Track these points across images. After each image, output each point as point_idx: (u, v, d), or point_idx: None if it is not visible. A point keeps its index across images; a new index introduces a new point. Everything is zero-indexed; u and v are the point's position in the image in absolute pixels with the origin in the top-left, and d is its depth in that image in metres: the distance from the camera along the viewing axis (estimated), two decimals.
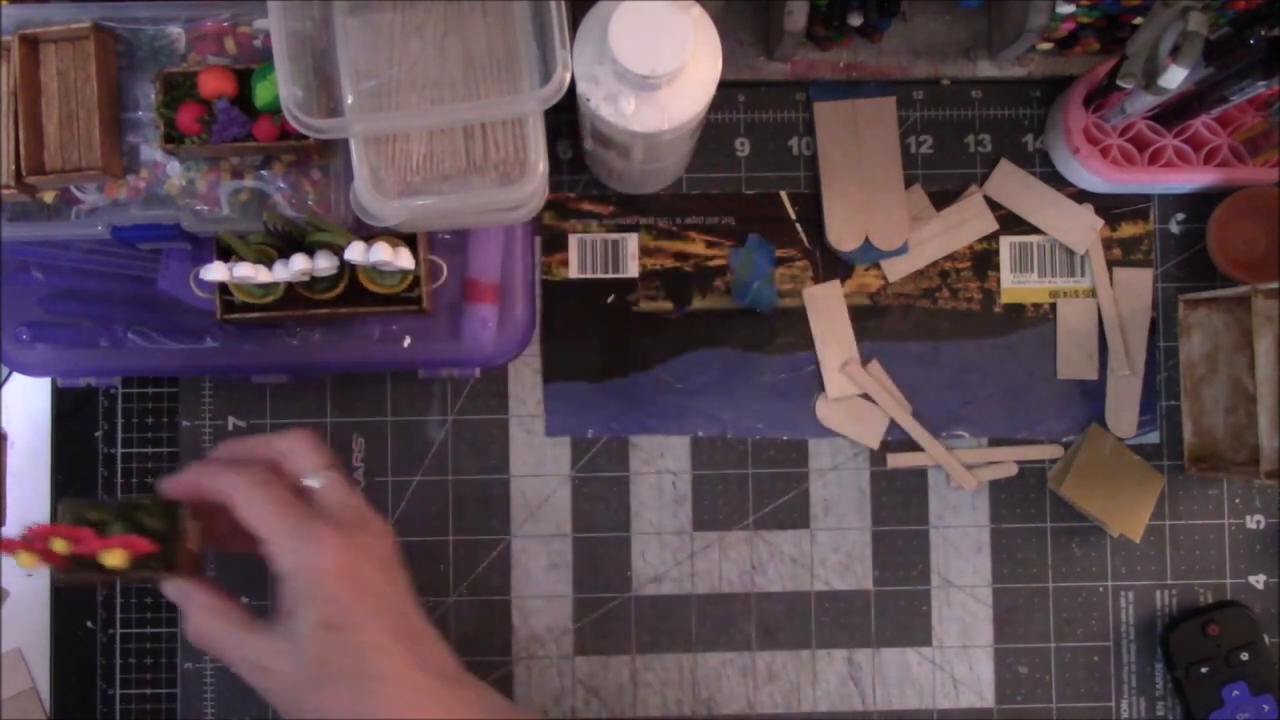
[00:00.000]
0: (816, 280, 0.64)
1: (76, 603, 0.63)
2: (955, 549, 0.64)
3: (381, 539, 0.52)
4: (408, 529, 0.63)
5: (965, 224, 0.64)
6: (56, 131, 0.55)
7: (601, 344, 0.64)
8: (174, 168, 0.57)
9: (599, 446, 0.63)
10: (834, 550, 0.63)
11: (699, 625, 0.63)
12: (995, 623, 0.63)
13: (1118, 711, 0.63)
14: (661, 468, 0.63)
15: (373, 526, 0.52)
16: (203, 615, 0.50)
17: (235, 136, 0.55)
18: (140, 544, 0.48)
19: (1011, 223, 0.64)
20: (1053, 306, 0.64)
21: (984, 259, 0.64)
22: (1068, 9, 0.57)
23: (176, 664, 0.62)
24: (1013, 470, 0.64)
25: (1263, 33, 0.50)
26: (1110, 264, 0.64)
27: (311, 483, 0.52)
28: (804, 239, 0.64)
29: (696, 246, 0.64)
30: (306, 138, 0.52)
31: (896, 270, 0.64)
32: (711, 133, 0.64)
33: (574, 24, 0.49)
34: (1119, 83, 0.56)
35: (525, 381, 0.63)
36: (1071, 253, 0.64)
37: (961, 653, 0.63)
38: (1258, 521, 0.64)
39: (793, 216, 0.64)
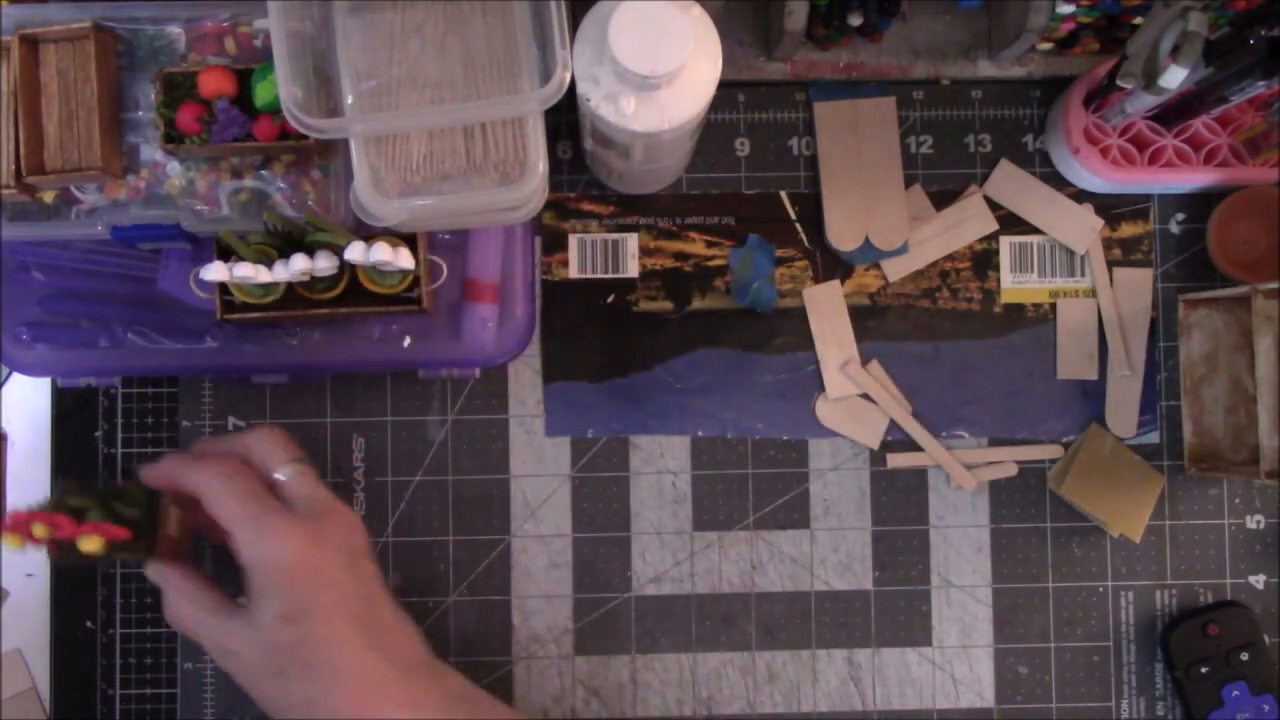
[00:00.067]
0: (816, 280, 0.64)
1: (76, 603, 0.63)
2: (955, 549, 0.64)
3: (347, 530, 0.53)
4: (408, 529, 0.63)
5: (965, 224, 0.64)
6: (56, 131, 0.55)
7: (601, 344, 0.64)
8: (174, 168, 0.57)
9: (599, 446, 0.63)
10: (834, 550, 0.63)
11: (699, 625, 0.63)
12: (995, 623, 0.63)
13: (1118, 711, 0.63)
14: (661, 468, 0.63)
15: (338, 518, 0.53)
16: (178, 599, 0.53)
17: (235, 136, 0.55)
18: (115, 532, 0.51)
19: (1011, 223, 0.64)
20: (1053, 306, 0.64)
21: (984, 259, 0.64)
22: (1068, 9, 0.57)
23: (176, 664, 0.62)
24: (1013, 470, 0.64)
25: (1263, 33, 0.50)
26: (1110, 264, 0.64)
27: (279, 476, 0.54)
28: (804, 239, 0.64)
29: (696, 246, 0.64)
30: (306, 138, 0.52)
31: (896, 270, 0.64)
32: (711, 133, 0.64)
33: (574, 24, 0.49)
34: (1119, 83, 0.56)
35: (525, 381, 0.63)
36: (1071, 253, 0.64)
37: (961, 653, 0.63)
38: (1258, 521, 0.64)
39: (793, 216, 0.64)
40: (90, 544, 0.50)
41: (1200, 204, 0.64)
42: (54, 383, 0.63)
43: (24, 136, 0.54)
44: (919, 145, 0.65)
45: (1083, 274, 0.64)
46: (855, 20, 0.59)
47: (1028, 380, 0.64)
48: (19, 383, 0.63)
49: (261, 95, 0.54)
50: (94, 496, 0.52)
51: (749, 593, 0.63)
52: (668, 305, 0.64)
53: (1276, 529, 0.64)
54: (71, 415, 0.63)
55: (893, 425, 0.63)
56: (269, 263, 0.54)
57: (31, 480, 0.63)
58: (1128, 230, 0.64)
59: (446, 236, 0.59)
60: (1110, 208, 0.64)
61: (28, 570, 0.63)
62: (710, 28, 0.50)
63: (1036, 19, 0.57)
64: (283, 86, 0.48)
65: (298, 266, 0.53)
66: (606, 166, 0.60)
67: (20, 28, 0.54)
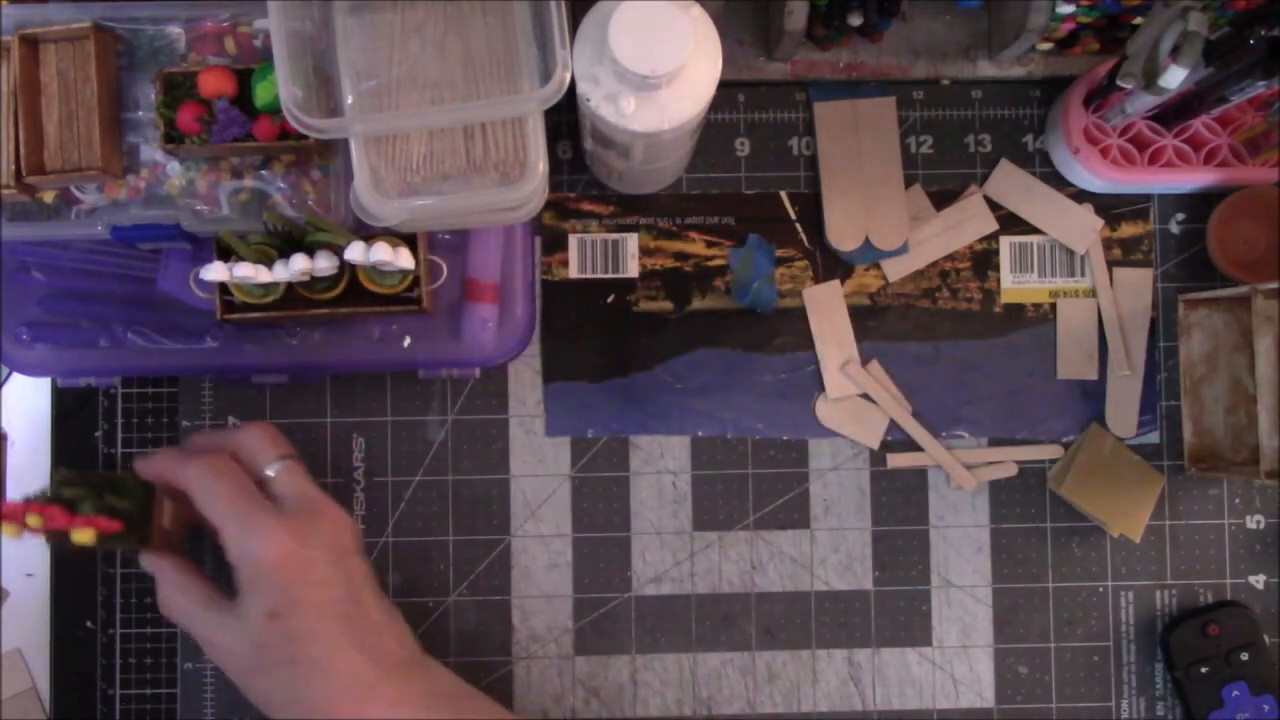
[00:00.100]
0: (816, 280, 0.64)
1: (76, 603, 0.63)
2: (955, 549, 0.64)
3: (334, 528, 0.53)
4: (408, 529, 0.63)
5: (965, 224, 0.64)
6: (56, 131, 0.55)
7: (601, 344, 0.64)
8: (174, 168, 0.57)
9: (599, 446, 0.63)
10: (834, 550, 0.63)
11: (699, 625, 0.63)
12: (995, 623, 0.63)
13: (1118, 711, 0.63)
14: (661, 468, 0.63)
15: (326, 515, 0.53)
16: (170, 590, 0.54)
17: (235, 136, 0.55)
18: (107, 524, 0.52)
19: (1011, 223, 0.64)
20: (1053, 306, 0.64)
21: (984, 259, 0.64)
22: (1068, 9, 0.57)
23: (176, 664, 0.62)
24: (1013, 470, 0.64)
25: (1263, 33, 0.50)
26: (1110, 264, 0.64)
27: (269, 473, 0.54)
28: (804, 239, 0.64)
29: (696, 246, 0.64)
30: (306, 138, 0.52)
31: (896, 270, 0.64)
32: (711, 133, 0.64)
33: (574, 24, 0.49)
34: (1119, 83, 0.56)
35: (525, 381, 0.63)
36: (1071, 253, 0.64)
37: (961, 653, 0.63)
38: (1258, 521, 0.64)
39: (793, 216, 0.64)
40: (83, 535, 0.51)
41: (1200, 204, 0.64)
42: (54, 383, 0.63)
43: (24, 136, 0.54)
44: (919, 145, 0.65)
45: (1083, 274, 0.64)
46: (855, 20, 0.59)
47: (1028, 380, 0.64)
48: (19, 383, 0.63)
49: (261, 95, 0.54)
50: (89, 487, 0.53)
51: (749, 593, 0.63)
52: (668, 305, 0.64)
53: (1276, 529, 0.64)
54: (71, 415, 0.63)
55: (893, 425, 0.63)
56: (269, 263, 0.54)
57: (31, 480, 0.62)
58: (1128, 230, 0.65)
59: (446, 236, 0.59)
60: (1110, 208, 0.64)
61: (28, 570, 0.63)
62: (710, 28, 0.50)
63: (1036, 19, 0.57)
64: (283, 86, 0.48)
65: (298, 266, 0.53)
66: (606, 166, 0.60)
67: (20, 28, 0.54)
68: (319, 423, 0.63)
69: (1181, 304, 0.63)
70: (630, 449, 0.63)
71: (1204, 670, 0.61)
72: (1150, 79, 0.54)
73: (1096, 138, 0.62)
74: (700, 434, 0.63)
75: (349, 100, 0.51)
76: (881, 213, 0.63)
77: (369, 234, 0.54)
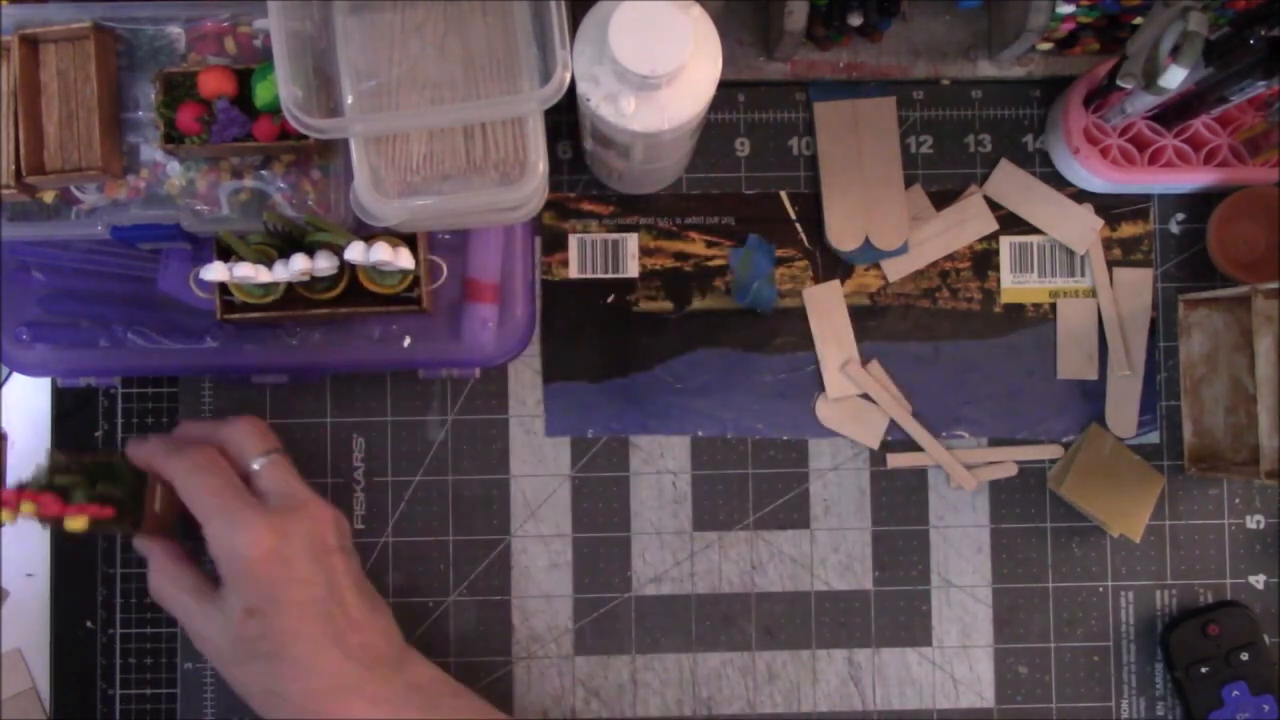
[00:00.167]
0: (816, 280, 0.64)
1: (76, 603, 0.63)
2: (955, 549, 0.64)
3: (316, 524, 0.53)
4: (408, 529, 0.63)
5: (965, 224, 0.64)
6: (56, 131, 0.55)
7: (601, 344, 0.64)
8: (174, 168, 0.57)
9: (599, 446, 0.63)
10: (834, 550, 0.63)
11: (699, 625, 0.63)
12: (995, 623, 0.63)
13: (1118, 711, 0.63)
14: (661, 468, 0.63)
15: (308, 512, 0.53)
16: (159, 576, 0.55)
17: (235, 136, 0.55)
18: (100, 511, 0.53)
19: (1011, 223, 0.64)
20: (1053, 306, 0.64)
21: (984, 259, 0.64)
22: (1068, 9, 0.57)
23: (176, 664, 0.62)
24: (1013, 470, 0.64)
25: (1263, 33, 0.50)
26: (1110, 264, 0.64)
27: (254, 467, 0.55)
28: (804, 239, 0.64)
29: (696, 246, 0.64)
30: (306, 138, 0.52)
31: (896, 270, 0.64)
32: (711, 133, 0.64)
33: (574, 24, 0.49)
34: (1119, 83, 0.56)
35: (525, 381, 0.63)
36: (1071, 253, 0.64)
37: (961, 653, 0.63)
38: (1258, 521, 0.64)
39: (793, 216, 0.64)
40: (76, 523, 0.52)
41: (1200, 204, 0.64)
42: (54, 383, 0.63)
43: (24, 136, 0.54)
44: (919, 145, 0.65)
45: (1083, 274, 0.64)
46: (855, 20, 0.59)
47: (1028, 380, 0.64)
48: (19, 383, 0.63)
49: (261, 95, 0.54)
50: (82, 473, 0.54)
51: (749, 593, 0.63)
52: (668, 305, 0.64)
53: (1276, 529, 0.64)
54: (71, 415, 0.63)
55: (893, 425, 0.63)
56: (269, 263, 0.54)
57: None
58: (1128, 230, 0.64)
59: (446, 236, 0.59)
60: (1110, 208, 0.64)
61: (28, 570, 0.63)
62: (710, 28, 0.50)
63: (1036, 19, 0.57)
64: (283, 86, 0.48)
65: (298, 266, 0.53)
66: (606, 166, 0.60)
67: (20, 28, 0.54)
68: (319, 423, 0.63)
69: (1181, 304, 0.63)
70: (630, 449, 0.63)
71: (1204, 670, 0.61)
72: (1150, 79, 0.54)
73: (1096, 138, 0.62)
74: (700, 434, 0.63)
75: (349, 100, 0.51)
76: (881, 213, 0.63)
77: (369, 234, 0.54)
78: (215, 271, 0.53)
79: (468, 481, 0.63)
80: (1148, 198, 0.65)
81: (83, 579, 0.63)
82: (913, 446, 0.64)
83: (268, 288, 0.55)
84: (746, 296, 0.63)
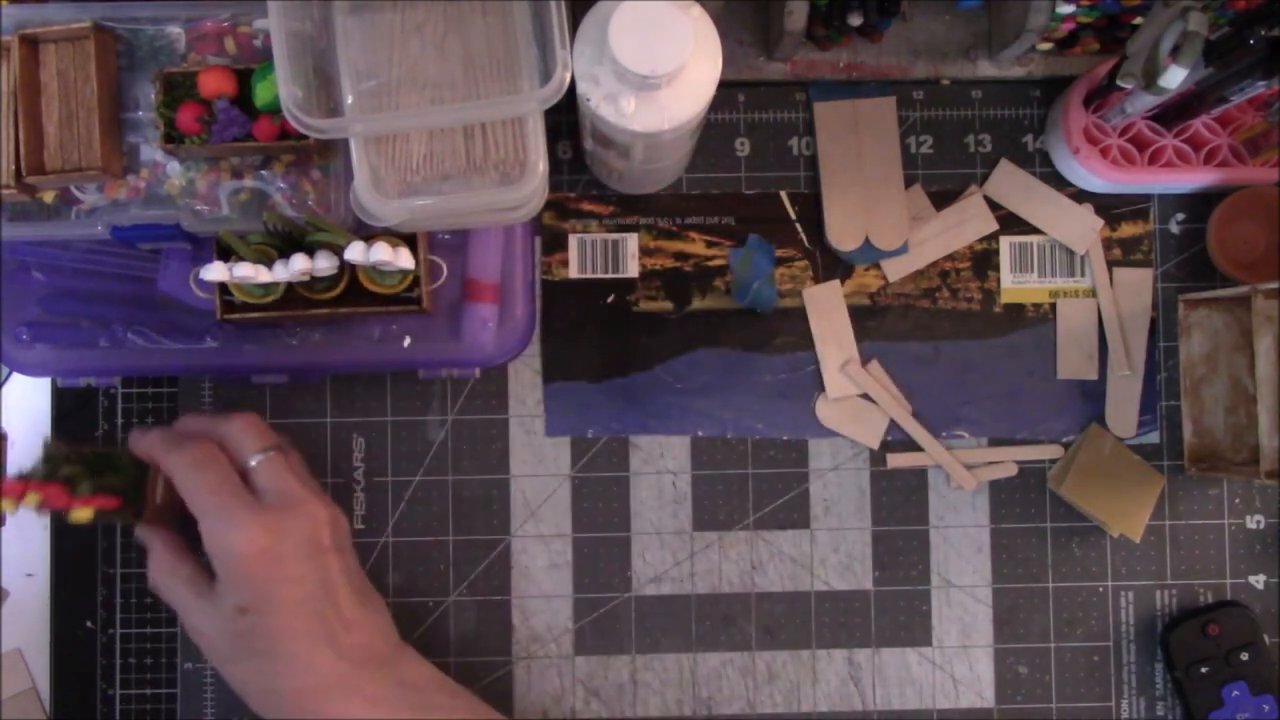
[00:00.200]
0: (816, 280, 0.64)
1: (76, 603, 0.63)
2: (955, 549, 0.64)
3: (310, 523, 0.53)
4: (408, 529, 0.63)
5: (965, 224, 0.64)
6: (56, 131, 0.55)
7: (601, 344, 0.64)
8: (174, 168, 0.57)
9: (599, 446, 0.63)
10: (834, 550, 0.63)
11: (699, 625, 0.63)
12: (995, 623, 0.63)
13: (1118, 711, 0.63)
14: (661, 468, 0.63)
15: (303, 510, 0.53)
16: (158, 568, 0.55)
17: (235, 136, 0.55)
18: (105, 503, 0.53)
19: (1011, 223, 0.64)
20: (1053, 306, 0.64)
21: (984, 259, 0.64)
22: (1068, 9, 0.57)
23: (176, 664, 0.62)
24: (1013, 470, 0.64)
25: (1263, 33, 0.50)
26: (1110, 264, 0.64)
27: (251, 464, 0.54)
28: (804, 239, 0.64)
29: (696, 246, 0.64)
30: (306, 138, 0.52)
31: (896, 270, 0.64)
32: (711, 133, 0.64)
33: (574, 24, 0.49)
34: (1119, 83, 0.56)
35: (525, 381, 0.63)
36: (1071, 253, 0.64)
37: (961, 653, 0.63)
38: (1258, 521, 0.64)
39: (793, 216, 0.64)
40: (81, 514, 0.52)
41: (1200, 204, 0.64)
42: (54, 383, 0.63)
43: (24, 136, 0.54)
44: (919, 145, 0.65)
45: (1083, 274, 0.64)
46: (855, 20, 0.59)
47: (1028, 380, 0.64)
48: (19, 383, 0.63)
49: (261, 95, 0.54)
50: (85, 464, 0.54)
51: (749, 593, 0.63)
52: (668, 305, 0.64)
53: (1276, 529, 0.64)
54: (71, 415, 0.63)
55: (893, 425, 0.63)
56: (269, 263, 0.54)
57: None
58: (1128, 230, 0.64)
59: (446, 236, 0.59)
60: (1110, 208, 0.64)
61: (28, 570, 0.63)
62: (710, 28, 0.50)
63: (1036, 19, 0.57)
64: (283, 86, 0.48)
65: (298, 266, 0.53)
66: (606, 166, 0.60)
67: (20, 28, 0.54)
68: (319, 423, 0.63)
69: (1181, 304, 0.63)
70: (630, 449, 0.63)
71: (1204, 670, 0.61)
72: (1150, 79, 0.54)
73: (1096, 138, 0.62)
74: (700, 434, 0.63)
75: (349, 100, 0.51)
76: (881, 213, 0.63)
77: (369, 234, 0.54)
78: (215, 271, 0.53)
79: (468, 481, 0.63)
80: (1148, 198, 0.65)
81: (83, 579, 0.63)
82: (913, 446, 0.64)
83: (268, 288, 0.55)
84: (746, 296, 0.63)
